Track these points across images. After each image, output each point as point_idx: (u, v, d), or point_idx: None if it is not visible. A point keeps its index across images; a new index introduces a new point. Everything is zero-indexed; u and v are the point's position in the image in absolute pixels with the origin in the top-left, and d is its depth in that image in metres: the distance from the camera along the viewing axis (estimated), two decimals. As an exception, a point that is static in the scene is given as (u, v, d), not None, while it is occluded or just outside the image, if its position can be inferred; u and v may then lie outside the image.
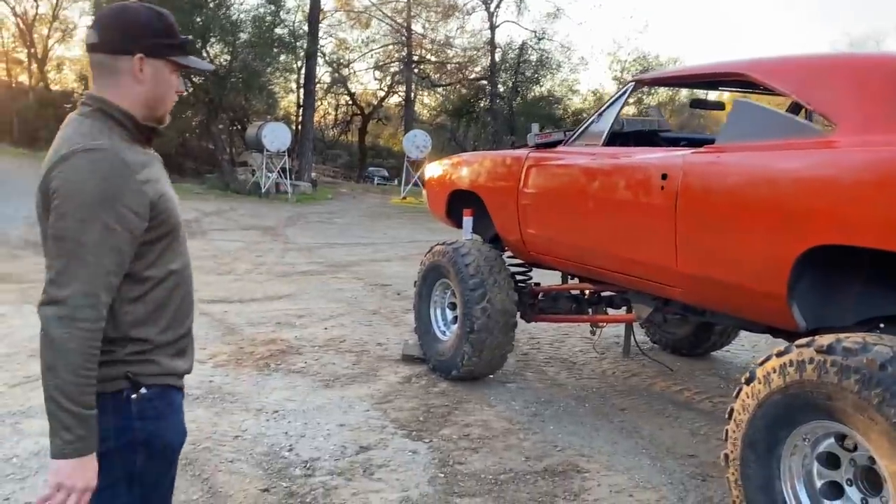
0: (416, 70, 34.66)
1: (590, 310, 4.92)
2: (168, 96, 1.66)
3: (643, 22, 76.10)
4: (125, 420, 1.60)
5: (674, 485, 3.38)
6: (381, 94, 37.95)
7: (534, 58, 31.39)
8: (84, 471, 1.48)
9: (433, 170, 5.46)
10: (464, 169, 4.95)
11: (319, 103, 33.96)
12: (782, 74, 2.89)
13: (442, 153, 35.73)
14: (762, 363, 2.54)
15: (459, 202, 5.08)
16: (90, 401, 1.48)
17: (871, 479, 2.36)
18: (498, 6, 30.74)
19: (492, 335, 4.44)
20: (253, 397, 4.36)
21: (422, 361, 5.07)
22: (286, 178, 22.60)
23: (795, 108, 3.61)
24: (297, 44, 26.57)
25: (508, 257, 4.82)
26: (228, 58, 24.87)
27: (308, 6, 26.86)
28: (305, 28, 26.98)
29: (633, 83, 3.79)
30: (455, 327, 4.79)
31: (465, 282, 4.47)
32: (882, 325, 2.76)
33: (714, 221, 2.92)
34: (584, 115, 33.02)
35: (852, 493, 2.40)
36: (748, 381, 2.58)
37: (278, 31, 25.96)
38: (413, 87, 35.67)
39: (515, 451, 3.71)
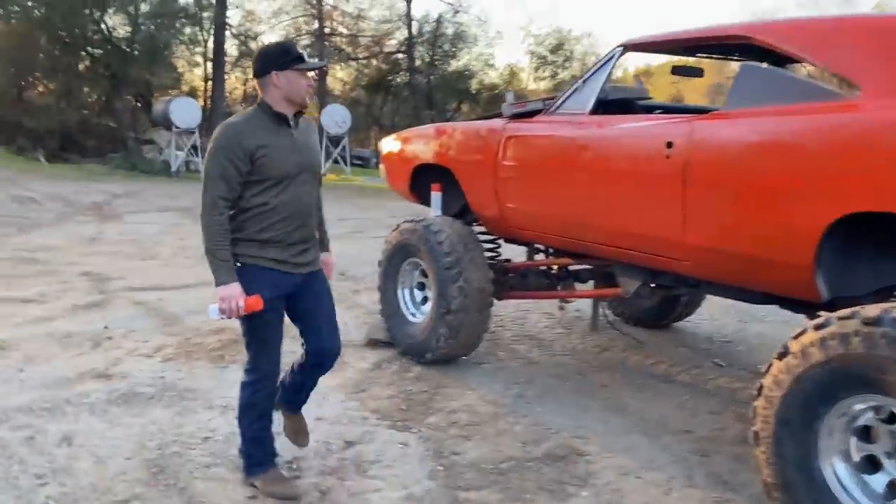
0: (328, 43, 33.71)
1: (559, 285, 4.79)
2: (299, 91, 2.66)
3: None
4: None
5: (678, 463, 3.30)
6: (293, 67, 36.76)
7: (450, 31, 31.10)
8: (227, 290, 2.63)
9: (391, 144, 5.16)
10: (430, 142, 4.69)
11: (227, 77, 32.51)
12: (795, 37, 2.78)
13: (359, 128, 35.08)
14: (797, 337, 2.44)
15: (424, 177, 4.82)
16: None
17: (909, 451, 2.31)
18: (415, -23, 30.17)
19: (469, 315, 4.23)
20: (214, 393, 4.00)
21: (388, 345, 4.82)
22: (197, 156, 21.55)
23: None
24: (203, 15, 25.24)
25: (479, 233, 4.61)
26: (130, 30, 23.37)
27: (215, -25, 25.52)
28: (211, -2, 25.63)
29: (621, 48, 3.63)
30: (427, 308, 4.57)
31: (439, 260, 4.24)
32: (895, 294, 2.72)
33: (730, 192, 2.81)
34: (499, 89, 33.02)
35: (891, 465, 2.35)
36: (781, 356, 2.48)
37: (182, 1, 24.57)
38: (326, 60, 34.69)
39: (509, 436, 3.54)
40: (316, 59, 3.13)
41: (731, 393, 4.20)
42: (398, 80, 31.99)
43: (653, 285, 4.06)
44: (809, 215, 2.53)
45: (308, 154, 2.80)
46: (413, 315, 4.65)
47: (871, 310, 2.25)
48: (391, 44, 32.63)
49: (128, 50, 22.83)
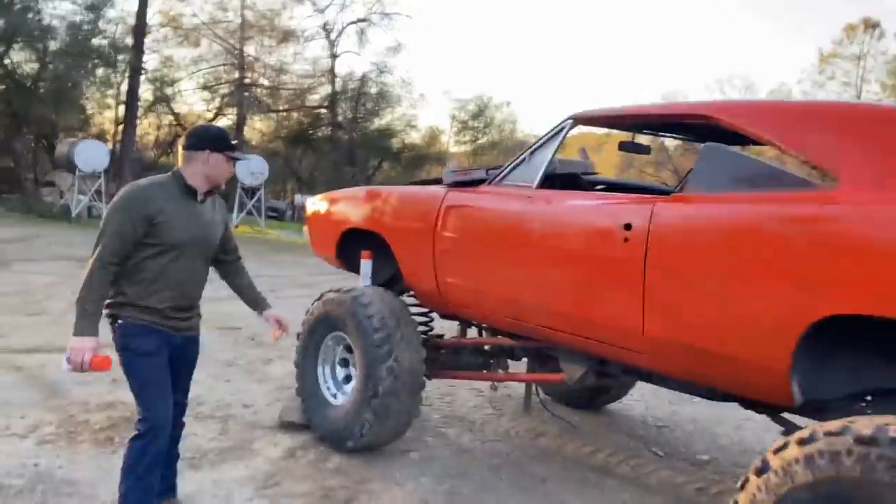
0: (248, 93, 33.24)
1: (492, 364, 4.48)
2: (223, 174, 2.84)
3: (475, 64, 79.45)
4: None
5: (630, 577, 2.97)
6: (209, 115, 35.97)
7: (374, 90, 31.23)
8: (81, 342, 2.62)
9: (318, 205, 4.78)
10: (362, 205, 4.35)
11: (139, 122, 31.39)
12: (766, 119, 2.63)
13: (275, 180, 34.40)
14: (777, 451, 2.19)
15: (353, 242, 4.45)
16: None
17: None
18: (339, 35, 30.27)
19: (398, 399, 3.84)
20: (98, 486, 3.42)
21: (304, 428, 4.34)
22: (100, 201, 20.41)
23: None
24: (119, 57, 24.35)
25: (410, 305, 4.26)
26: (36, 66, 22.24)
27: (134, 17, 24.77)
28: (129, 41, 24.80)
29: (571, 120, 3.42)
30: (349, 388, 4.15)
31: (367, 337, 3.85)
32: (869, 399, 2.53)
33: (696, 283, 2.58)
34: (420, 150, 33.24)
35: None
36: (760, 472, 2.22)
37: (97, 41, 23.65)
38: (245, 110, 34.14)
39: (442, 544, 3.13)
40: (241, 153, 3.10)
41: (674, 488, 3.94)
42: (320, 134, 31.69)
43: (614, 376, 3.77)
44: (786, 315, 2.32)
45: (208, 230, 2.89)
46: (334, 396, 4.21)
47: (864, 426, 2.02)
48: (314, 98, 32.46)
49: (32, 87, 21.65)
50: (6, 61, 21.76)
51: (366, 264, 4.25)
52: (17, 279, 9.67)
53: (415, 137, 33.92)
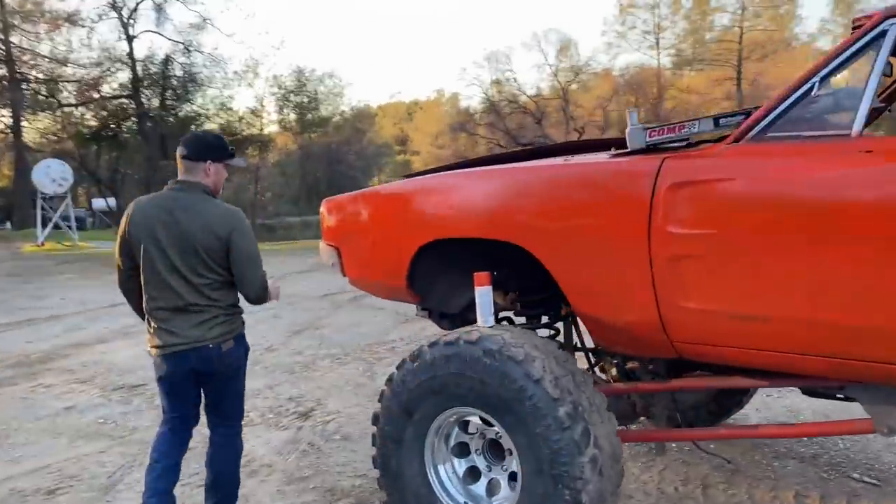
0: (24, 89, 28.35)
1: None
2: (221, 183, 2.90)
3: (279, 38, 75.13)
4: None
5: None
6: (-25, 120, 30.28)
7: (180, 73, 27.72)
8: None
9: (354, 209, 3.05)
10: (452, 199, 2.70)
11: None
12: None
13: (75, 185, 29.77)
14: None
15: (432, 261, 2.83)
16: None
17: None
18: (133, 14, 26.38)
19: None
20: None
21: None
22: None
23: None
24: None
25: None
26: None
27: None
28: None
29: (900, 17, 2.07)
30: (481, 490, 2.60)
31: (542, 415, 2.30)
32: None
33: None
34: (242, 133, 30.16)
35: None
36: None
37: None
38: (22, 110, 29.15)
39: None
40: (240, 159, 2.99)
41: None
42: (125, 127, 27.71)
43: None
44: None
45: None
46: (465, 508, 2.61)
47: None
48: (112, 88, 28.24)
49: None
50: None
51: (485, 293, 2.63)
52: None
53: (232, 121, 30.72)
